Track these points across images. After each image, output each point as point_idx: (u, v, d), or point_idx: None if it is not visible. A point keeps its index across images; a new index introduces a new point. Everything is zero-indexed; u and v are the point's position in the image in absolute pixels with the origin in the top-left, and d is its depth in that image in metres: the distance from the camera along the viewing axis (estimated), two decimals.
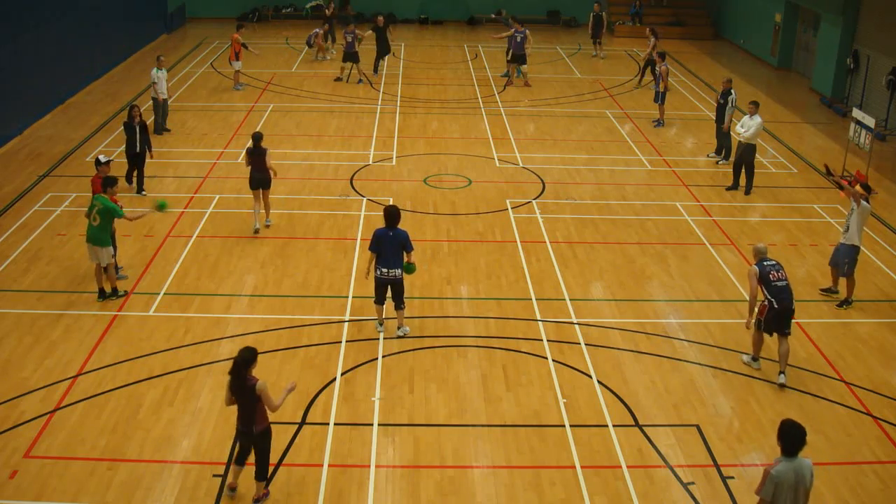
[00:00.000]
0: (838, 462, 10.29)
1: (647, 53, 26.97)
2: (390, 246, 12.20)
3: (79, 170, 18.85)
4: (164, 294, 13.75)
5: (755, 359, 12.09)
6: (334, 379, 11.60)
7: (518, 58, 26.63)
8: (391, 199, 17.59)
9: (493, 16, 32.05)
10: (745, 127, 18.25)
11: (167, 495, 9.42)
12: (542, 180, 18.98)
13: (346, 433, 10.51)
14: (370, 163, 19.88)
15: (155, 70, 20.90)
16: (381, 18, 27.80)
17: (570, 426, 10.77)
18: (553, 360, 12.15)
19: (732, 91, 20.21)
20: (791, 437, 7.68)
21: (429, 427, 10.72)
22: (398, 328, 12.66)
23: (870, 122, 18.77)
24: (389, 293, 12.53)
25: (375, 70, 28.22)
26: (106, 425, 10.56)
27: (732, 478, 9.89)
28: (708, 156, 20.82)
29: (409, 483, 9.74)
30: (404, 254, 12.30)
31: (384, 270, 12.22)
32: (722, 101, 20.26)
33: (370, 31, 27.85)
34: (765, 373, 12.05)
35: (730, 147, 20.27)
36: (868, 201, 13.86)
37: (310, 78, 27.38)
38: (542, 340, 12.68)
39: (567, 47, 33.30)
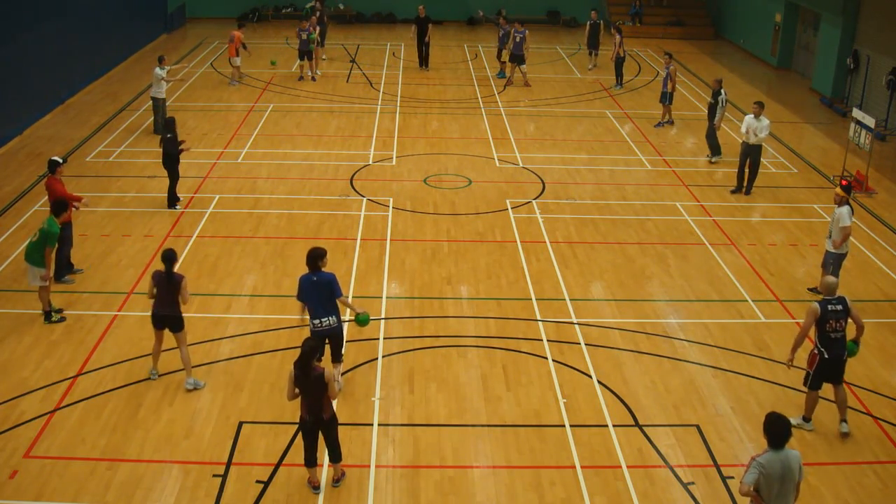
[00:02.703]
0: (838, 462, 10.29)
1: (614, 53, 26.89)
2: (316, 293, 10.74)
3: (79, 170, 18.85)
4: None
5: (807, 419, 10.82)
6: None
7: (516, 58, 26.66)
8: (391, 199, 17.60)
9: (481, 14, 31.86)
10: (748, 126, 18.06)
11: (167, 495, 9.42)
12: (542, 180, 18.98)
13: (346, 433, 10.49)
14: (370, 163, 19.88)
15: (158, 69, 20.92)
16: (421, 8, 28.45)
17: (570, 426, 10.77)
18: (553, 360, 12.15)
19: (723, 91, 20.22)
20: (776, 430, 7.70)
21: (429, 427, 10.72)
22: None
23: (870, 122, 18.75)
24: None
25: (422, 63, 28.90)
26: (106, 425, 10.56)
27: (732, 478, 9.89)
28: (707, 156, 20.81)
29: (409, 483, 9.75)
30: (342, 304, 10.99)
31: (315, 322, 10.75)
32: (713, 101, 20.31)
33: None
34: (764, 373, 12.05)
35: (716, 145, 20.28)
36: (849, 204, 13.68)
37: (310, 78, 27.34)
38: (542, 340, 12.68)
39: (567, 47, 33.31)
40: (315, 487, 9.52)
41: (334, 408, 9.51)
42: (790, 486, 7.77)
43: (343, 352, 11.23)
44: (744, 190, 18.43)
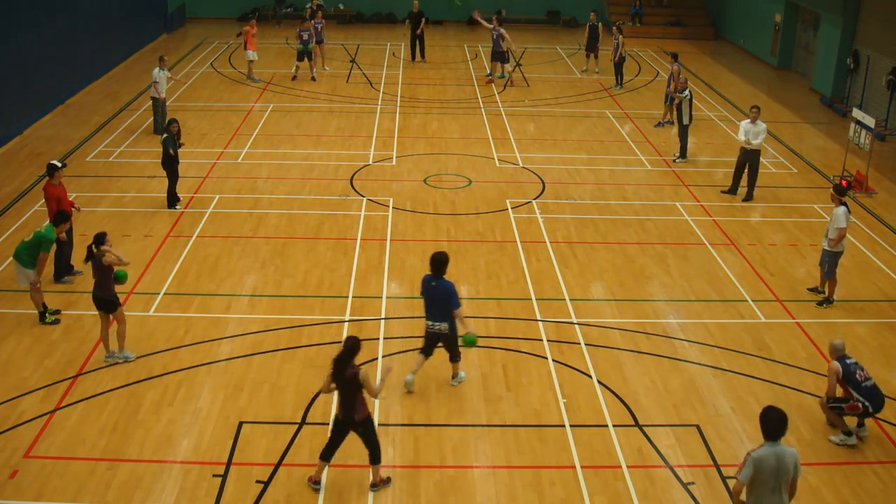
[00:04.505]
0: (838, 462, 10.29)
1: (615, 54, 26.83)
2: (432, 297, 11.01)
3: (79, 170, 18.87)
4: (164, 294, 13.75)
5: (849, 433, 10.64)
6: None
7: (496, 55, 26.90)
8: (391, 199, 17.60)
9: (477, 16, 31.86)
10: (744, 131, 17.95)
11: (167, 495, 9.42)
12: (542, 180, 18.98)
13: None
14: (370, 163, 19.88)
15: (157, 70, 20.93)
16: (416, 3, 29.41)
17: (570, 426, 10.77)
18: (553, 360, 12.15)
19: (688, 91, 20.29)
20: (771, 421, 7.85)
21: (429, 427, 10.71)
22: (452, 377, 11.58)
23: (870, 122, 18.76)
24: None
25: (413, 58, 29.94)
26: (106, 425, 10.56)
27: (732, 478, 9.88)
28: (674, 156, 20.67)
29: (409, 483, 9.74)
30: (455, 317, 10.98)
31: (429, 323, 11.08)
32: (678, 102, 20.39)
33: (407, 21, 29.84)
34: (764, 373, 12.05)
35: (686, 146, 20.41)
36: (846, 205, 13.73)
37: (309, 78, 27.37)
38: (542, 340, 12.68)
39: (567, 47, 33.30)
40: (315, 483, 9.51)
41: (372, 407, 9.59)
42: (784, 481, 7.89)
43: (459, 352, 11.35)
44: (744, 196, 18.21)
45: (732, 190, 18.46)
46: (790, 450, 7.91)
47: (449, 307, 10.87)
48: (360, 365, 9.25)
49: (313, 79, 27.01)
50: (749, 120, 17.98)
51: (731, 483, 9.75)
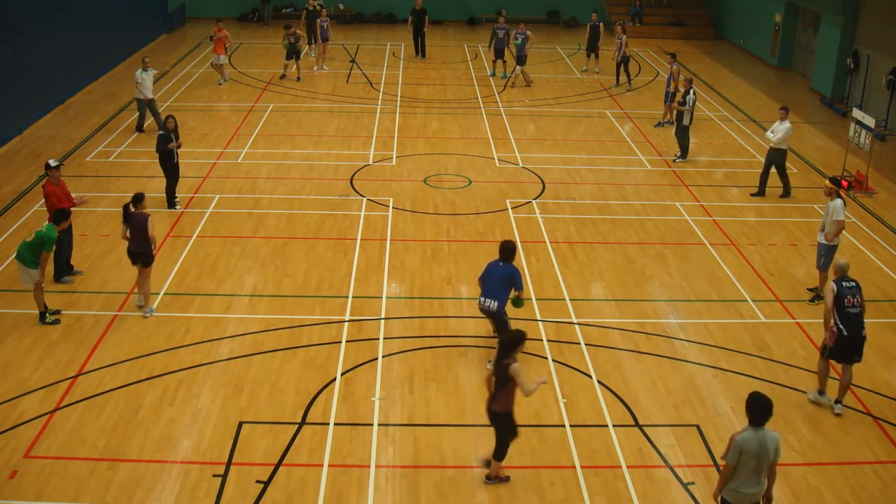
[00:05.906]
0: (838, 462, 10.29)
1: (618, 53, 26.79)
2: (494, 276, 11.75)
3: (78, 170, 18.87)
4: (164, 294, 13.75)
5: (822, 392, 11.23)
6: (334, 379, 11.60)
7: (519, 59, 27.14)
8: (391, 199, 17.60)
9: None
10: (774, 132, 18.06)
11: (167, 495, 9.42)
12: (542, 180, 18.98)
13: (346, 433, 10.51)
14: (370, 163, 19.89)
15: (140, 71, 20.90)
16: (419, 1, 29.95)
17: (570, 426, 10.77)
18: (553, 360, 12.15)
19: (692, 92, 20.25)
20: (757, 408, 8.09)
21: (429, 427, 10.71)
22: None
23: (870, 122, 18.76)
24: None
25: (417, 52, 30.57)
26: (106, 425, 10.56)
27: None
28: (675, 156, 20.64)
29: (409, 483, 9.75)
30: (513, 290, 11.78)
31: (481, 300, 11.78)
32: (681, 101, 20.33)
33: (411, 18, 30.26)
34: (764, 373, 12.06)
35: (687, 146, 20.38)
36: (841, 197, 13.82)
37: (310, 78, 27.39)
38: (542, 340, 12.68)
39: (567, 47, 33.31)
40: (486, 472, 9.78)
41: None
42: (764, 464, 8.10)
43: (506, 331, 11.62)
44: (780, 193, 18.28)
45: (760, 192, 18.39)
46: (773, 434, 8.11)
47: (505, 285, 11.66)
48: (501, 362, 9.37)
49: (283, 76, 26.92)
50: (778, 120, 18.12)
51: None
